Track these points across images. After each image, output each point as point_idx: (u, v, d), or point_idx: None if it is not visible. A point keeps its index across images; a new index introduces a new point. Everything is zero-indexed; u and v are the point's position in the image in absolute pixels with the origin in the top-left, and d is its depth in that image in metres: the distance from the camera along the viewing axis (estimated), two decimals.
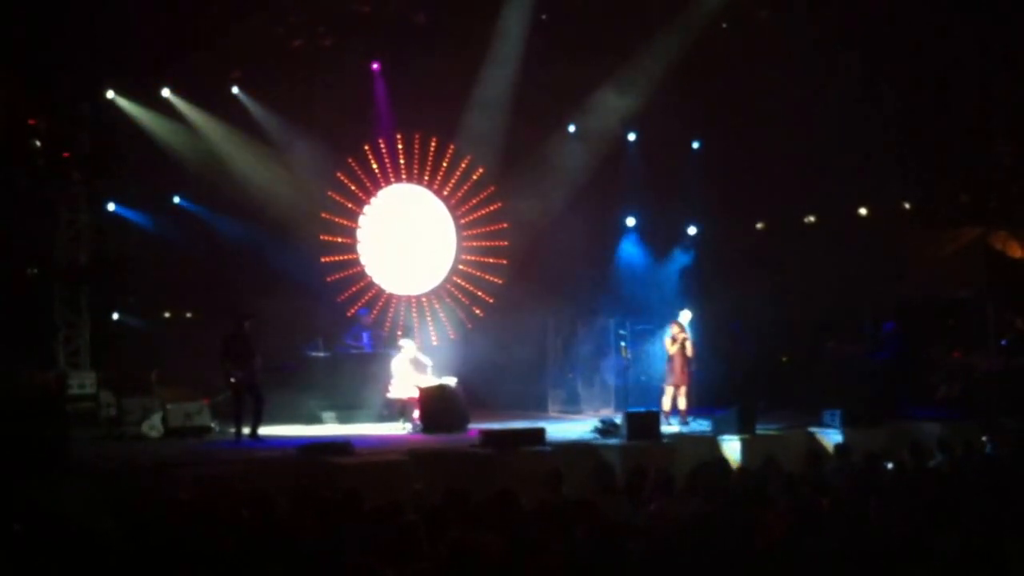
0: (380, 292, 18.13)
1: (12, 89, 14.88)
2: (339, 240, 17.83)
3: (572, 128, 19.13)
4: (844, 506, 8.22)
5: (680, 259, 18.86)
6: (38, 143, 15.50)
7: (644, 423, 13.53)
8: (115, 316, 16.21)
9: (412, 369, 15.01)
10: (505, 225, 18.74)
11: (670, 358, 15.00)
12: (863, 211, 19.13)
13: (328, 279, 17.48)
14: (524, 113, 17.91)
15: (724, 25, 18.18)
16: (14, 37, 14.29)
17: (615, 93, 18.45)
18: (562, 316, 17.95)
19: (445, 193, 18.83)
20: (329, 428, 14.90)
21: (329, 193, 17.74)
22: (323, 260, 17.50)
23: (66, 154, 15.91)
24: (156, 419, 13.86)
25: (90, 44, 14.97)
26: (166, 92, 16.66)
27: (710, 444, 13.55)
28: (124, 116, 16.41)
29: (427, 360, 15.17)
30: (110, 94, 16.22)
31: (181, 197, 16.81)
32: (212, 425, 14.24)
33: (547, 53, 17.53)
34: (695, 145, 19.63)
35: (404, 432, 14.51)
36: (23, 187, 15.27)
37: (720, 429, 13.93)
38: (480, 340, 17.58)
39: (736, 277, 17.94)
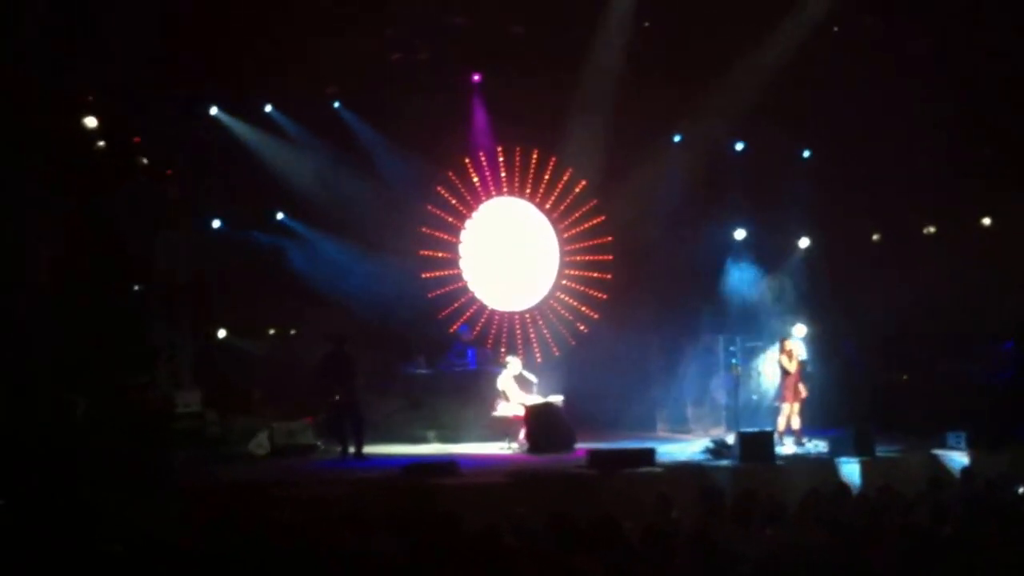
0: (482, 308, 17.90)
1: (117, 108, 14.98)
2: (440, 255, 17.66)
3: (676, 138, 18.71)
4: (965, 534, 7.76)
5: (790, 272, 18.27)
6: (144, 160, 15.59)
7: (757, 444, 13.11)
8: (221, 334, 16.20)
9: (517, 387, 14.74)
10: (609, 239, 18.38)
11: (785, 375, 14.51)
12: (987, 221, 18.38)
13: (429, 295, 17.31)
14: (626, 123, 17.57)
15: (836, 28, 17.59)
16: (118, 56, 14.39)
17: (721, 101, 17.97)
18: (669, 332, 17.47)
19: (547, 206, 18.55)
20: (434, 447, 14.71)
21: (429, 207, 17.59)
22: (424, 276, 17.34)
23: (168, 172, 16.00)
24: (262, 438, 13.83)
25: (194, 62, 15.01)
26: (268, 108, 16.66)
27: (827, 467, 13.08)
28: (227, 133, 16.43)
29: (532, 378, 14.89)
30: (213, 111, 16.26)
31: (283, 214, 16.76)
32: (317, 444, 14.16)
33: (650, 61, 17.16)
34: (805, 154, 19.03)
35: (509, 452, 14.25)
36: (126, 205, 15.36)
37: (837, 451, 13.43)
38: (585, 357, 17.24)
39: (850, 291, 17.34)
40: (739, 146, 18.85)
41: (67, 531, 7.35)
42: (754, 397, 16.17)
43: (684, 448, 14.33)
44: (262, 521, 8.18)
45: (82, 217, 14.68)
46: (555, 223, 18.57)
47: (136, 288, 15.98)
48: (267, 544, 7.04)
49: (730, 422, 15.49)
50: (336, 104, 17.11)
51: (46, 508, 8.44)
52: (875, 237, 19.46)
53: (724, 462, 12.92)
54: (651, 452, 12.67)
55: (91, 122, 14.87)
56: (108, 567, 6.40)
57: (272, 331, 17.32)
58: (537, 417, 14.29)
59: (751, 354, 16.20)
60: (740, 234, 18.72)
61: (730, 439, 13.54)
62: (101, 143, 15.06)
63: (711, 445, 13.64)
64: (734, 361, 15.05)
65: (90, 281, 14.63)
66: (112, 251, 15.01)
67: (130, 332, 15.10)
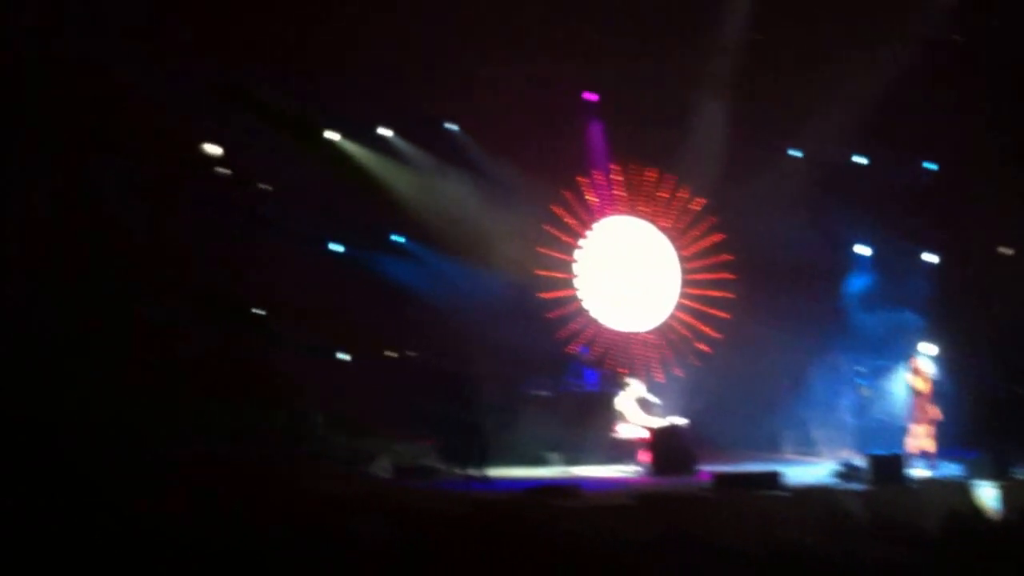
0: (600, 328, 17.77)
1: (236, 136, 15.32)
2: (556, 275, 17.60)
3: (797, 153, 18.36)
4: None
5: (918, 289, 17.74)
6: (262, 186, 15.88)
7: (889, 466, 12.74)
8: (342, 356, 16.38)
9: (639, 408, 14.59)
10: (729, 257, 18.10)
11: (916, 395, 14.08)
12: None
13: (547, 315, 17.25)
14: (745, 139, 17.33)
15: (956, 37, 17.10)
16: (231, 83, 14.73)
17: (841, 114, 17.60)
18: (793, 352, 17.11)
19: (665, 225, 18.36)
20: (555, 470, 14.61)
21: (545, 227, 17.55)
22: (541, 296, 17.29)
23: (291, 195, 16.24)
24: (385, 459, 13.89)
25: (312, 86, 15.27)
26: (384, 130, 16.85)
27: (962, 490, 12.58)
28: (343, 155, 16.66)
29: (654, 399, 14.72)
30: (332, 135, 16.50)
31: (401, 235, 16.92)
32: (439, 466, 14.17)
33: (767, 75, 16.90)
34: (930, 168, 18.49)
35: (632, 474, 14.09)
36: (249, 232, 15.68)
37: (973, 473, 12.94)
38: (707, 378, 16.98)
39: (981, 306, 16.77)
40: (861, 160, 18.42)
41: None
42: (883, 418, 15.72)
43: (811, 470, 13.98)
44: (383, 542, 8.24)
45: (207, 243, 15.05)
46: (674, 241, 18.38)
47: (259, 312, 16.28)
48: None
49: (858, 444, 15.08)
50: (452, 126, 17.22)
51: None
52: (1007, 252, 18.79)
53: (855, 485, 12.56)
54: (777, 475, 12.39)
55: (215, 150, 15.23)
56: None
57: (392, 353, 17.44)
58: (659, 439, 14.12)
59: (879, 373, 15.78)
60: (864, 250, 18.26)
61: (859, 461, 13.16)
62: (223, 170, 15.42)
63: (840, 468, 13.28)
64: (861, 381, 14.64)
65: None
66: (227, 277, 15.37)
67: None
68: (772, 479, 12.28)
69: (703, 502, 11.63)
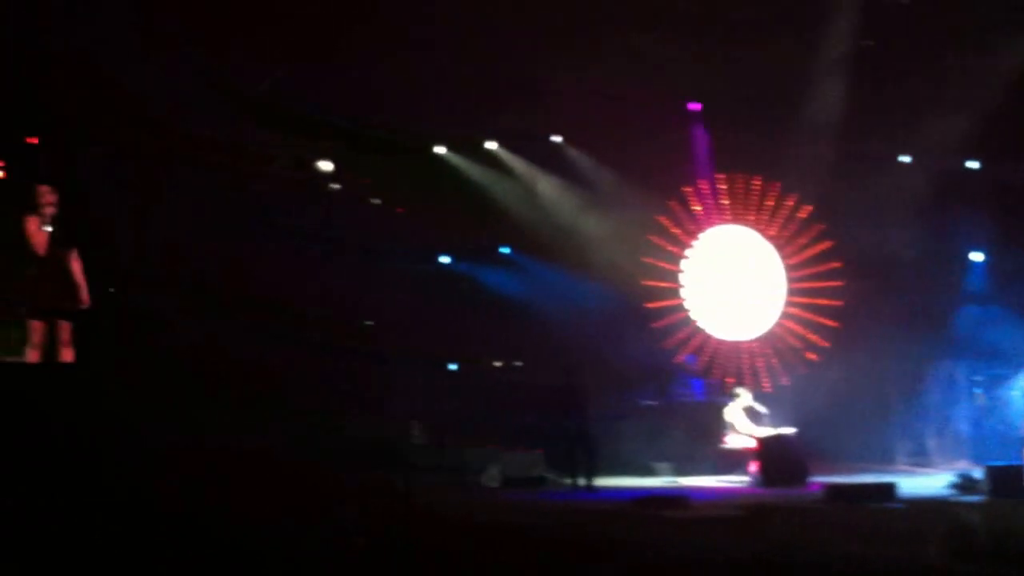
0: (707, 337, 17.69)
1: (350, 152, 15.64)
2: (662, 285, 17.57)
3: (905, 158, 18.05)
4: None
5: None
6: (376, 201, 16.18)
7: (1009, 478, 12.40)
8: (451, 366, 16.60)
9: (747, 418, 14.50)
10: (837, 264, 17.86)
11: None
12: None
13: (653, 325, 17.23)
14: (852, 145, 17.10)
15: None
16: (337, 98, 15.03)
17: (951, 119, 17.24)
18: (906, 360, 16.81)
19: (771, 233, 18.21)
20: (663, 480, 14.59)
21: (650, 237, 17.55)
22: (646, 306, 17.28)
23: (400, 209, 16.52)
24: (495, 469, 14.02)
25: (419, 102, 15.51)
26: (491, 144, 17.02)
27: None
28: (453, 170, 16.88)
29: (763, 409, 14.61)
30: (440, 149, 16.73)
31: (508, 247, 17.07)
32: (547, 475, 14.26)
33: (874, 81, 16.65)
34: None
35: (741, 485, 14.00)
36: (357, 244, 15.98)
37: None
38: (816, 387, 16.73)
39: None
40: (973, 165, 18.03)
41: None
42: (1000, 427, 15.36)
43: (927, 482, 13.71)
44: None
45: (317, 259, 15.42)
46: (780, 249, 18.20)
47: (368, 324, 16.58)
48: None
49: (975, 454, 14.75)
50: (557, 138, 17.33)
51: None
52: None
53: (973, 497, 12.28)
54: (892, 486, 12.18)
55: (327, 166, 15.58)
56: None
57: (499, 363, 17.59)
58: (769, 449, 14.00)
59: (996, 382, 15.42)
60: (978, 256, 17.86)
61: (977, 473, 12.87)
62: (335, 185, 15.75)
63: (957, 479, 13.00)
64: (977, 389, 14.32)
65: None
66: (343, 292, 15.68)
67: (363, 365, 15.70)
68: (886, 491, 12.08)
69: (815, 514, 11.49)
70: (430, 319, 16.17)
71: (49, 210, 10.33)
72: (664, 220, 17.69)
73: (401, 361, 16.14)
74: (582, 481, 13.55)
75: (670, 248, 17.71)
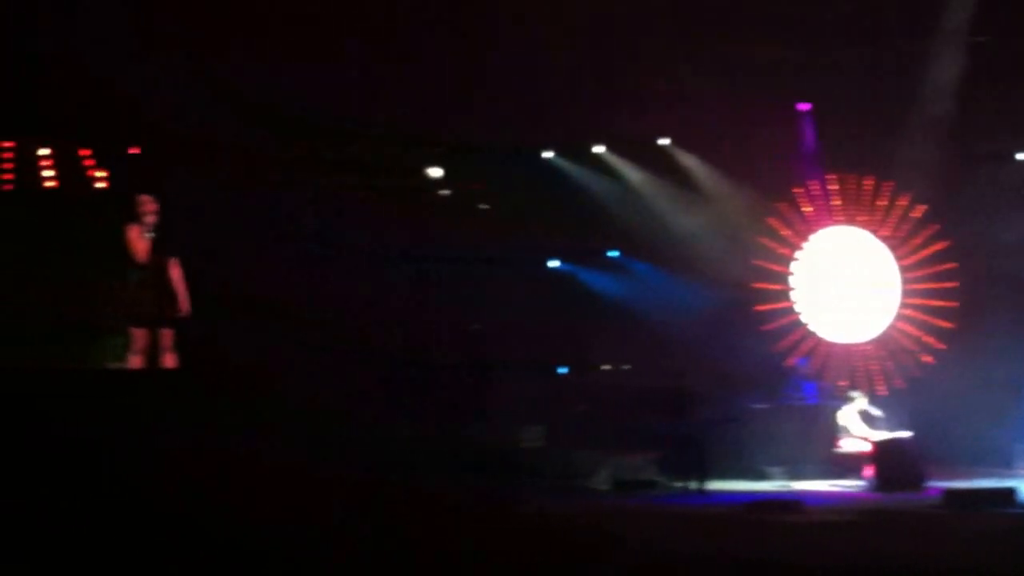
0: (818, 340, 17.48)
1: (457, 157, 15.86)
2: (772, 287, 17.43)
3: (1022, 156, 17.63)
4: None
5: None
6: (482, 206, 16.38)
7: None
8: (562, 370, 16.71)
9: (862, 421, 14.32)
10: (953, 265, 17.51)
11: None
12: None
13: (763, 328, 17.10)
14: (966, 144, 16.76)
15: None
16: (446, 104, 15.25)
17: None
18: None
19: (884, 233, 17.93)
20: (776, 484, 14.48)
21: (760, 240, 17.42)
22: (757, 309, 17.16)
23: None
24: (605, 473, 14.07)
25: (525, 108, 15.65)
26: (599, 148, 17.09)
27: None
28: (560, 174, 17.00)
29: (877, 412, 14.41)
30: (547, 154, 16.87)
31: (616, 251, 17.12)
32: (658, 479, 14.26)
33: (988, 77, 16.30)
34: None
35: (856, 489, 13.83)
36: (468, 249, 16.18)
37: None
38: (932, 389, 16.42)
39: None
40: None
41: None
42: None
43: None
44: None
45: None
46: (893, 250, 17.91)
47: (477, 327, 16.78)
48: None
49: None
50: (665, 140, 17.32)
51: None
52: None
53: None
54: (1012, 491, 11.95)
55: (436, 172, 15.83)
56: None
57: (607, 366, 17.64)
58: (885, 453, 13.81)
59: None
60: None
61: None
62: (445, 191, 16.00)
63: None
64: None
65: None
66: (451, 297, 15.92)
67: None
68: (1007, 496, 11.85)
69: (933, 520, 11.34)
70: (539, 323, 16.31)
71: (150, 218, 10.61)
72: (774, 222, 17.55)
73: (510, 366, 16.32)
74: (693, 485, 13.53)
75: (780, 250, 17.55)
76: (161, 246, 10.62)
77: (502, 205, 16.53)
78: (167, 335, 10.54)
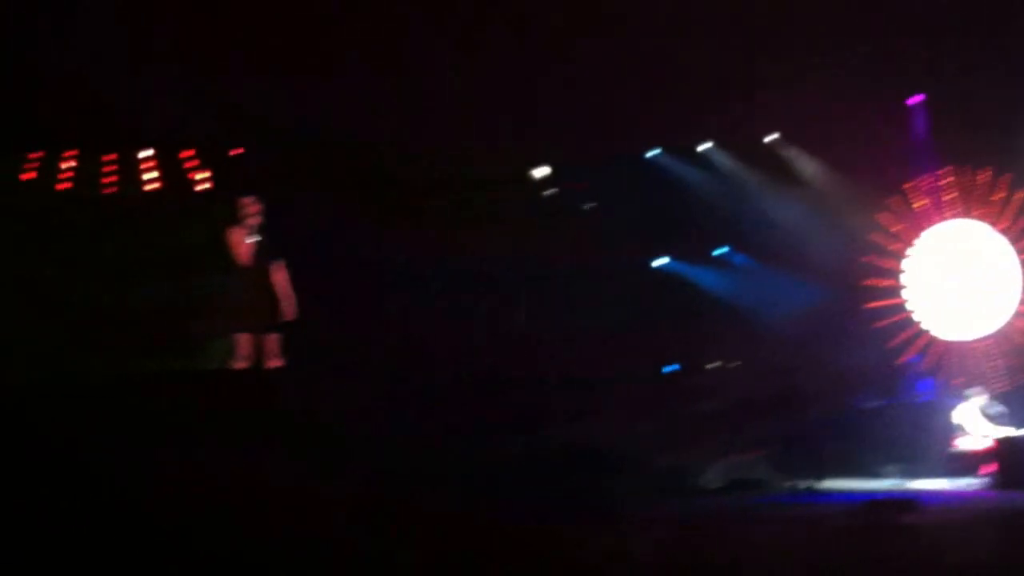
0: (933, 338, 17.10)
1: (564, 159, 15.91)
2: (885, 284, 17.09)
3: None
4: None
5: None
6: (587, 206, 16.39)
7: None
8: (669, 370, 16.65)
9: (981, 418, 13.96)
10: None
11: None
12: None
13: (875, 325, 16.78)
14: None
15: None
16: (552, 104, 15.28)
17: None
18: None
19: (1003, 227, 17.45)
20: (892, 483, 14.20)
21: (871, 236, 17.11)
22: (868, 306, 16.85)
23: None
24: (714, 472, 13.96)
25: (631, 107, 15.61)
26: (705, 145, 16.98)
27: None
28: (666, 172, 16.92)
29: (999, 409, 14.04)
30: (652, 152, 16.82)
31: (724, 248, 17.00)
32: (768, 478, 14.09)
33: None
34: None
35: (975, 488, 13.48)
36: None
37: None
38: None
39: None
40: None
41: None
42: None
43: None
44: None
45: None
46: (1013, 243, 17.43)
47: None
48: None
49: None
50: (773, 136, 17.13)
51: None
52: None
53: None
54: None
55: (542, 172, 15.91)
56: None
57: (714, 364, 17.51)
58: (1006, 450, 13.43)
59: None
60: None
61: None
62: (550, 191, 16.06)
63: None
64: None
65: None
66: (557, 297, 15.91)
67: None
68: None
69: None
70: (646, 323, 16.26)
71: (254, 220, 10.41)
72: (885, 218, 17.22)
73: (617, 365, 16.30)
74: (805, 484, 13.33)
75: (892, 246, 17.23)
76: (265, 249, 10.43)
77: (606, 205, 16.53)
78: (272, 340, 10.34)
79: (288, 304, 10.50)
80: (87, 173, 13.95)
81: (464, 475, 10.03)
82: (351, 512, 7.57)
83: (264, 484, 7.49)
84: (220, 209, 11.49)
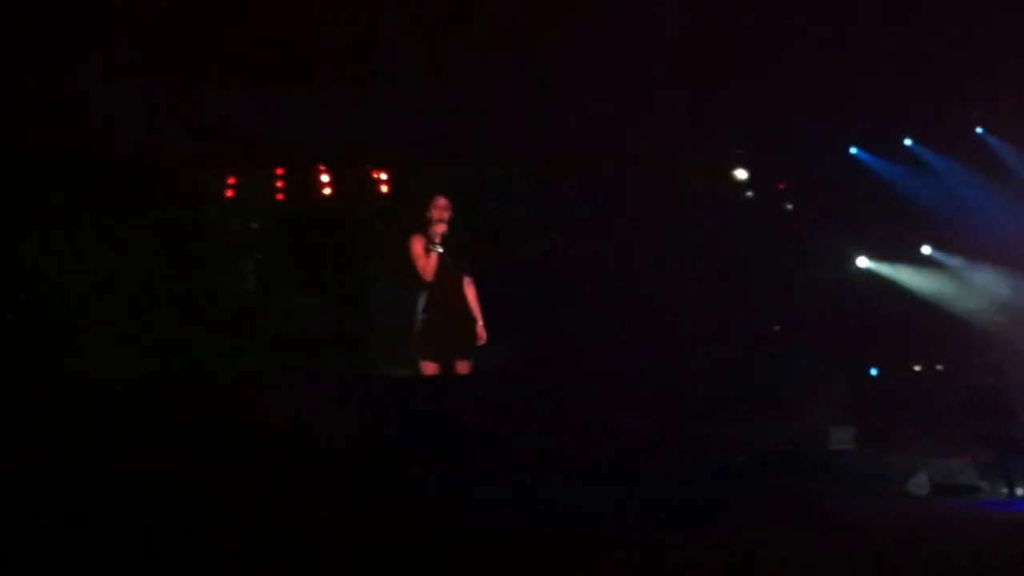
0: None
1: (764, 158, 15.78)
2: None
3: None
4: None
5: None
6: (788, 207, 16.25)
7: None
8: (872, 371, 16.35)
9: None
10: None
11: None
12: None
13: None
14: None
15: None
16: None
17: None
18: None
19: None
20: None
21: None
22: None
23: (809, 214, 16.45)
24: (922, 477, 13.67)
25: (834, 103, 15.37)
26: (908, 141, 16.61)
27: None
28: (867, 170, 16.65)
29: None
30: (852, 150, 16.55)
31: (929, 247, 16.60)
32: (980, 484, 13.71)
33: None
34: None
35: None
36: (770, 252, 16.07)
37: None
38: None
39: None
40: None
41: None
42: None
43: None
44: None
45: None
46: None
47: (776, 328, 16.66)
48: None
49: None
50: (979, 130, 16.62)
51: None
52: None
53: None
54: None
55: (742, 174, 15.83)
56: None
57: (919, 366, 17.13)
58: None
59: None
60: None
61: None
62: (750, 193, 15.98)
63: None
64: None
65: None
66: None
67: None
68: None
69: None
70: (849, 323, 16.02)
71: (440, 227, 8.81)
72: None
73: (818, 366, 16.10)
74: (1020, 491, 12.92)
75: None
76: (453, 261, 8.84)
77: (808, 203, 16.36)
78: (462, 368, 8.74)
79: (480, 326, 8.97)
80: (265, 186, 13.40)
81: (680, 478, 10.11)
82: None
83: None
84: (399, 214, 10.80)
